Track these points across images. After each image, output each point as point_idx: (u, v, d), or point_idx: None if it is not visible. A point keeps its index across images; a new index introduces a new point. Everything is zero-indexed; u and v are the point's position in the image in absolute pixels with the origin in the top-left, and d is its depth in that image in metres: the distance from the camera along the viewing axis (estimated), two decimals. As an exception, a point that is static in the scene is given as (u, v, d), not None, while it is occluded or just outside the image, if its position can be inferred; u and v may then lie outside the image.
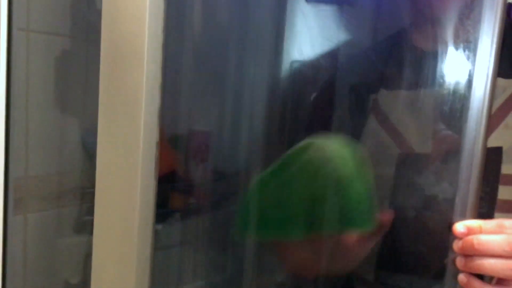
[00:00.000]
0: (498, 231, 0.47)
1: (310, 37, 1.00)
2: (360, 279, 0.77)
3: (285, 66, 1.00)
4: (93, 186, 0.81)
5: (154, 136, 0.45)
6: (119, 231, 0.47)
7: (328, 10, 0.99)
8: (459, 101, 0.65)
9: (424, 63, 0.72)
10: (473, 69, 0.45)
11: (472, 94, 0.45)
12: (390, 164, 0.72)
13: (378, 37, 0.80)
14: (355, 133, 0.74)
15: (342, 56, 0.82)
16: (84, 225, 0.81)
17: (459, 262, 0.47)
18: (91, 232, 0.82)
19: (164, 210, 0.88)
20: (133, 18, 0.44)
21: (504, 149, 0.67)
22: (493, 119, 0.68)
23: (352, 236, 0.58)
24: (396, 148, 0.71)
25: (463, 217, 0.46)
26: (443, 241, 0.47)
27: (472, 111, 0.46)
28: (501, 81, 0.68)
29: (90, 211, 0.81)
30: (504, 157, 0.67)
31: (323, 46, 0.96)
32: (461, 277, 0.47)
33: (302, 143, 0.58)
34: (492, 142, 0.67)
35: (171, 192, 0.89)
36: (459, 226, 0.47)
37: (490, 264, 0.46)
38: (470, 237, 0.46)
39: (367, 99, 0.74)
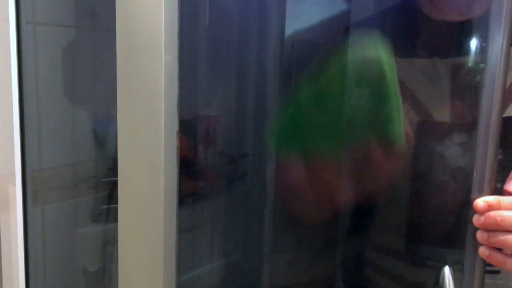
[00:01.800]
0: None
1: (312, 12, 1.00)
2: (390, 250, 0.79)
3: (288, 45, 1.00)
4: (107, 175, 0.83)
5: (175, 125, 0.46)
6: (145, 218, 0.48)
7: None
8: (474, 72, 0.66)
9: (439, 32, 0.72)
10: (487, 40, 0.46)
11: (487, 65, 0.46)
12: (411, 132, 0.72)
13: (394, 5, 0.79)
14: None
15: (353, 22, 0.81)
16: (101, 214, 0.83)
17: (481, 236, 0.48)
18: (107, 221, 0.84)
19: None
20: (149, 10, 0.44)
21: None
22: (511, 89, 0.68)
23: (385, 149, 0.57)
24: (416, 115, 0.72)
25: (481, 192, 0.48)
26: (465, 211, 0.48)
27: (487, 82, 0.46)
28: None
29: (106, 200, 0.83)
30: None
31: (327, 19, 0.96)
32: (483, 250, 0.48)
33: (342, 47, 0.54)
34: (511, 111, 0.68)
35: (182, 177, 0.90)
36: (480, 202, 0.48)
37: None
38: (493, 213, 0.47)
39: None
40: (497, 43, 0.46)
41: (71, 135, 0.80)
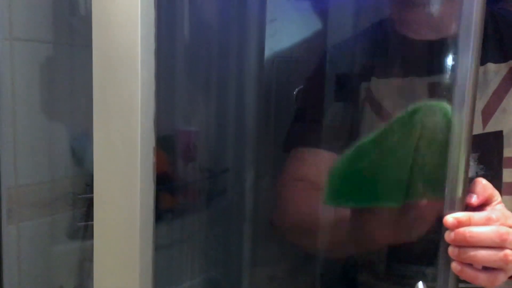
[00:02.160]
0: (487, 223, 0.49)
1: (292, 32, 1.01)
2: (367, 267, 0.79)
3: (269, 62, 1.01)
4: (84, 191, 0.82)
5: (151, 141, 0.46)
6: (121, 235, 0.48)
7: (310, 3, 1.01)
8: (445, 88, 0.67)
9: (411, 51, 0.73)
10: (457, 57, 0.47)
11: (456, 83, 0.47)
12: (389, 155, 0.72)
13: (365, 26, 0.80)
14: (352, 122, 0.75)
15: (329, 47, 0.83)
16: (78, 231, 0.82)
17: (452, 252, 0.49)
18: (84, 238, 0.83)
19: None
20: (126, 27, 0.44)
21: (504, 132, 0.68)
22: (491, 104, 0.69)
23: (431, 203, 0.57)
24: None
25: (452, 208, 0.48)
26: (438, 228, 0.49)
27: (456, 99, 0.47)
28: (492, 66, 0.70)
29: (83, 217, 0.82)
30: (505, 141, 0.68)
31: (307, 39, 0.97)
32: (454, 265, 0.49)
33: (410, 108, 0.54)
34: (492, 127, 0.69)
35: (162, 193, 0.90)
36: (450, 219, 0.49)
37: (482, 255, 0.48)
38: (462, 229, 0.48)
39: (359, 88, 0.75)
40: (466, 62, 0.47)
41: (48, 152, 0.79)
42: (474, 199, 0.50)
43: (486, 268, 0.50)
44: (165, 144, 0.91)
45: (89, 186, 0.80)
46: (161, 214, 0.91)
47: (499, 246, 0.49)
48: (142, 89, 0.44)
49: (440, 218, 0.49)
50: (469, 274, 0.49)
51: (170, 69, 0.88)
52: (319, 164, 0.74)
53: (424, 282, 0.50)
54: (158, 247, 0.91)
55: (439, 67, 0.70)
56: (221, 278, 1.05)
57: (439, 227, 0.49)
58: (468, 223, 0.48)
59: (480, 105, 0.67)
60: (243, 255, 1.04)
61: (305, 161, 0.77)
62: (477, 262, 0.49)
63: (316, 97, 0.79)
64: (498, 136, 0.68)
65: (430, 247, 0.51)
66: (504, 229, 0.50)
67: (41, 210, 0.79)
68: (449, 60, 0.68)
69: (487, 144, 0.50)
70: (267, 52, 1.00)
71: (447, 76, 0.69)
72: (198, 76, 0.94)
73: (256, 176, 1.03)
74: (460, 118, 0.47)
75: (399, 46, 0.75)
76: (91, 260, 0.78)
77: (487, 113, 0.69)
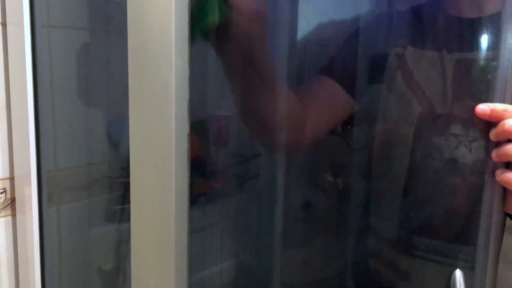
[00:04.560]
0: None
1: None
2: (383, 239, 0.79)
3: (301, 45, 1.00)
4: (120, 175, 0.84)
5: (185, 128, 0.47)
6: (156, 219, 0.49)
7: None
8: (485, 69, 0.65)
9: (452, 28, 0.72)
10: (500, 40, 0.46)
11: (499, 64, 0.46)
12: (410, 122, 0.72)
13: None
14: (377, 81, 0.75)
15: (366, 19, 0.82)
16: (115, 213, 0.84)
17: (494, 153, 0.47)
18: (121, 221, 0.85)
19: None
20: (160, 14, 0.45)
21: None
22: None
23: None
24: (418, 106, 0.72)
25: (493, 184, 0.47)
26: (463, 205, 0.47)
27: (498, 81, 0.46)
28: None
29: (119, 200, 0.84)
30: None
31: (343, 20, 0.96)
32: (499, 173, 0.47)
33: None
34: None
35: (195, 178, 0.91)
36: (483, 106, 0.47)
37: None
38: (502, 121, 0.46)
39: (390, 52, 0.75)
40: (510, 42, 0.45)
41: (85, 137, 0.81)
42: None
43: None
44: (198, 129, 0.92)
45: (125, 170, 0.82)
46: (194, 198, 0.92)
47: None
48: (176, 77, 0.45)
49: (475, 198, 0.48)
50: (509, 176, 0.47)
51: (203, 55, 0.88)
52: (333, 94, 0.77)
53: (459, 265, 0.49)
54: (192, 231, 0.93)
55: (477, 45, 0.69)
56: (253, 261, 1.07)
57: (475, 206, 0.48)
58: (504, 113, 0.47)
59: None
60: (275, 239, 1.05)
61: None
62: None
63: (349, 54, 0.78)
64: None
65: (462, 225, 0.50)
66: None
67: (80, 193, 0.81)
68: (490, 39, 0.67)
69: None
70: (299, 35, 0.99)
71: (486, 55, 0.68)
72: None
73: (287, 161, 1.03)
74: (501, 97, 0.46)
75: (439, 21, 0.74)
76: (128, 242, 0.81)
77: None
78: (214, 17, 0.56)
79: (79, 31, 0.78)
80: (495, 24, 0.53)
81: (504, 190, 0.48)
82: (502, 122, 0.46)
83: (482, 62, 0.69)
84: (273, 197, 1.08)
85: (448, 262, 0.71)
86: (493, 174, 0.48)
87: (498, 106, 0.47)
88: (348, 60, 0.78)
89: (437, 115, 0.71)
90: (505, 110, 0.46)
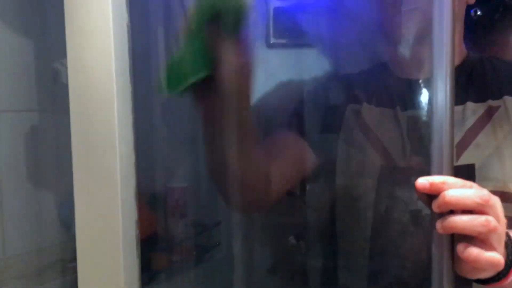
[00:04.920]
0: (463, 187, 0.48)
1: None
2: None
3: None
4: (74, 259, 0.80)
5: (133, 214, 0.46)
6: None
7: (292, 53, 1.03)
8: (426, 124, 0.68)
9: (401, 88, 0.76)
10: (434, 98, 0.48)
11: (434, 120, 0.48)
12: (373, 176, 0.73)
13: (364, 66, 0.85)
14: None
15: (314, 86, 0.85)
16: (69, 300, 0.80)
17: (438, 224, 0.47)
18: (76, 307, 0.81)
19: (148, 273, 0.87)
20: (102, 100, 0.45)
21: (476, 166, 0.70)
22: (465, 140, 0.71)
23: None
24: (380, 160, 0.74)
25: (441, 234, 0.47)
26: (427, 257, 0.47)
27: (435, 135, 0.48)
28: (471, 105, 0.72)
29: (73, 286, 0.80)
30: (477, 174, 0.69)
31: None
32: (459, 247, 0.47)
33: None
34: (465, 160, 0.70)
35: (153, 254, 0.89)
36: (422, 180, 0.47)
37: (462, 221, 0.47)
38: (442, 193, 0.47)
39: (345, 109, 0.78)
40: (442, 100, 0.48)
41: (35, 221, 0.78)
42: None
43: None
44: (154, 203, 0.90)
45: (78, 253, 0.79)
46: (154, 275, 0.89)
47: (480, 210, 0.47)
48: (120, 163, 0.44)
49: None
50: (473, 252, 0.46)
51: (153, 130, 0.88)
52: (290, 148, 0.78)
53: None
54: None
55: (421, 103, 0.73)
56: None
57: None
58: (442, 186, 0.47)
59: (455, 140, 0.69)
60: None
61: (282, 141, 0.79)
62: (459, 229, 0.47)
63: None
64: (470, 169, 0.70)
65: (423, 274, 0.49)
66: (485, 192, 0.48)
67: (30, 281, 0.77)
68: (429, 98, 0.71)
69: (459, 176, 0.49)
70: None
71: (424, 113, 0.72)
72: (184, 133, 0.95)
73: (248, 226, 1.02)
74: (439, 154, 0.47)
75: (390, 81, 0.78)
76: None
77: (461, 148, 0.71)
78: (201, 71, 0.57)
79: (27, 113, 0.77)
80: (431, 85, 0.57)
81: (452, 249, 0.48)
82: (442, 194, 0.47)
83: (425, 119, 0.72)
84: (237, 264, 1.06)
85: None
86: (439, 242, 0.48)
87: (437, 179, 0.47)
88: (306, 115, 0.80)
89: (398, 168, 0.73)
90: (443, 183, 0.47)
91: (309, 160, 0.79)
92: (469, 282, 0.54)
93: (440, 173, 0.48)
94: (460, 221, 0.47)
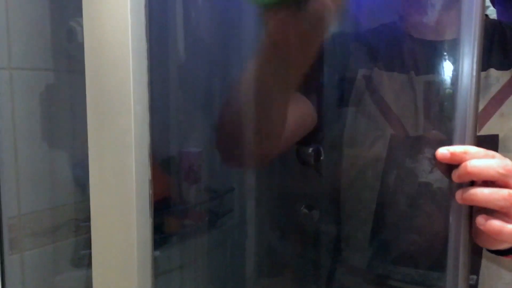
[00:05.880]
0: (486, 157, 0.46)
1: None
2: (352, 267, 0.77)
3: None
4: (87, 218, 0.81)
5: (147, 174, 0.45)
6: (119, 267, 0.47)
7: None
8: (448, 91, 0.66)
9: (417, 50, 0.73)
10: (459, 61, 0.46)
11: (458, 86, 0.46)
12: (383, 145, 0.71)
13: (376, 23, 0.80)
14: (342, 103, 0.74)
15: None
16: (82, 258, 0.81)
17: (458, 195, 0.46)
18: (89, 266, 0.82)
19: (160, 235, 0.88)
20: (117, 59, 0.44)
21: (500, 136, 0.67)
22: (488, 108, 0.69)
23: None
24: (390, 129, 0.71)
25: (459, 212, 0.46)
26: (436, 230, 0.45)
27: (459, 103, 0.46)
28: (494, 72, 0.70)
29: (87, 244, 0.81)
30: (501, 145, 0.67)
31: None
32: (479, 220, 0.46)
33: None
34: (488, 130, 0.68)
35: (166, 217, 0.89)
36: (442, 150, 0.46)
37: (483, 194, 0.45)
38: (464, 163, 0.45)
39: (356, 72, 0.74)
40: (468, 66, 0.46)
41: (50, 179, 0.79)
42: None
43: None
44: (168, 167, 0.91)
45: (91, 212, 0.80)
46: (166, 238, 0.90)
47: (503, 180, 0.45)
48: (135, 123, 0.43)
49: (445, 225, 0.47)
50: (495, 226, 0.45)
51: (169, 92, 0.87)
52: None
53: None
54: (165, 272, 0.90)
55: (441, 68, 0.70)
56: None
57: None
58: (464, 155, 0.45)
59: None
60: (250, 272, 1.03)
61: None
62: (480, 202, 0.45)
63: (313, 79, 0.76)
64: (493, 140, 0.67)
65: (429, 250, 0.48)
66: (508, 162, 0.47)
67: (44, 238, 0.78)
68: (452, 63, 0.68)
69: (481, 147, 0.47)
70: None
71: (447, 78, 0.69)
72: (200, 97, 0.94)
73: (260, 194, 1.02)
74: (462, 123, 0.46)
75: (404, 43, 0.75)
76: None
77: (484, 117, 0.68)
78: None
79: (42, 72, 0.77)
80: (456, 48, 0.53)
81: (471, 219, 0.47)
82: (463, 164, 0.45)
83: (447, 86, 0.70)
84: (247, 231, 1.07)
85: None
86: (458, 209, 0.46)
87: (458, 149, 0.46)
88: (316, 79, 0.76)
89: (410, 138, 0.71)
90: (465, 152, 0.46)
91: (311, 120, 0.75)
92: (479, 250, 0.53)
93: (462, 143, 0.46)
94: (482, 194, 0.46)
